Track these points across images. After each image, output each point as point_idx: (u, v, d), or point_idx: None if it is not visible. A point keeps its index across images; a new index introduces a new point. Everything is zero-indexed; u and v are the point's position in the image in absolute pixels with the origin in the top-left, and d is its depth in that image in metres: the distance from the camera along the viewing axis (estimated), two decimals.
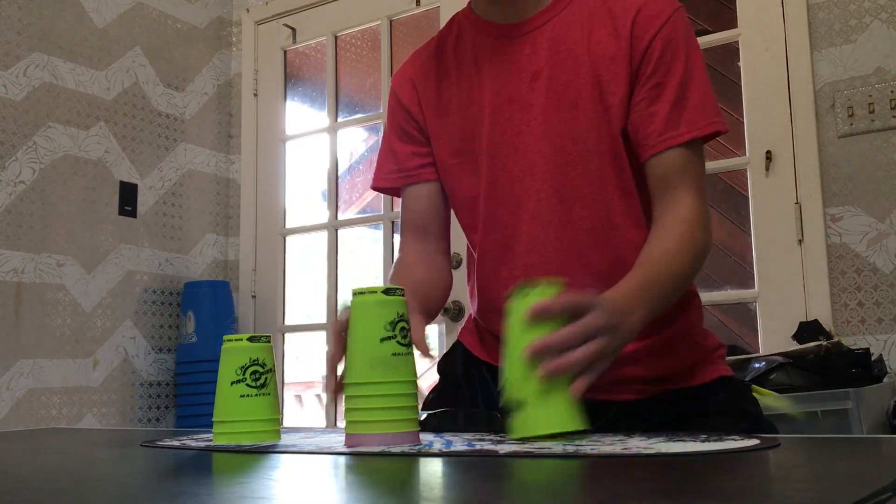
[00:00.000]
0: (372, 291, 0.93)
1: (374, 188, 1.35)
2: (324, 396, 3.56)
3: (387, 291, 0.93)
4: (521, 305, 0.91)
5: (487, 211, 1.22)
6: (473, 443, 0.89)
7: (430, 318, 1.21)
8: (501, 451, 0.80)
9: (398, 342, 0.92)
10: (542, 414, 0.88)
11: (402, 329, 0.93)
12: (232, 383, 0.99)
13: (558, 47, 1.17)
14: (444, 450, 0.83)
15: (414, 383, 0.94)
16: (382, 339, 0.91)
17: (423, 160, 1.28)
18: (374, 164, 1.37)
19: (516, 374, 0.90)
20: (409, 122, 1.29)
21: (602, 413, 1.12)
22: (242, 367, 0.99)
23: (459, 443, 0.89)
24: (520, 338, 0.90)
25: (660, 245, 1.09)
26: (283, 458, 0.84)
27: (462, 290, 1.37)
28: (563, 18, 1.18)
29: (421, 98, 1.27)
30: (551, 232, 1.16)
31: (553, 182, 1.16)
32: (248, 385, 0.99)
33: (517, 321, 0.91)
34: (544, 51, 1.18)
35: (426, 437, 0.97)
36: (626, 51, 1.13)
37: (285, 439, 1.01)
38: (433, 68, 1.28)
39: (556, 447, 0.81)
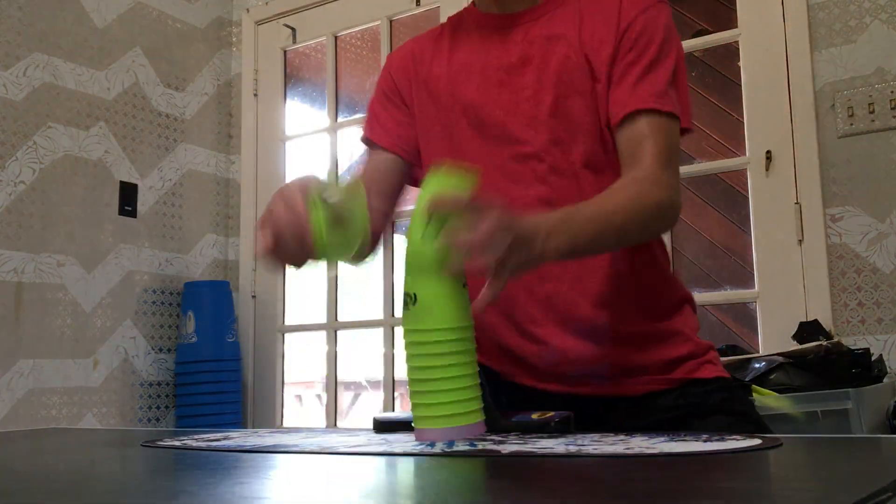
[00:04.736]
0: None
1: (366, 139, 1.35)
2: (323, 396, 3.55)
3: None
4: (435, 185, 0.91)
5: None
6: (475, 443, 0.89)
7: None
8: (503, 451, 0.80)
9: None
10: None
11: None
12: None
13: (551, 35, 1.21)
14: (445, 450, 0.83)
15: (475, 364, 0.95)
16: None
17: (406, 130, 1.31)
18: None
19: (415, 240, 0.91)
20: (393, 92, 1.35)
21: (609, 409, 1.15)
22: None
23: (460, 443, 0.89)
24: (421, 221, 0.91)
25: (600, 196, 1.06)
26: (283, 458, 0.84)
27: None
28: (558, 13, 1.23)
29: (413, 73, 1.32)
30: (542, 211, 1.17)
31: (544, 160, 1.18)
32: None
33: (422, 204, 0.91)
34: (538, 38, 1.22)
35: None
36: (612, 35, 1.18)
37: (285, 439, 1.00)
38: (429, 48, 1.33)
39: (558, 447, 0.81)
